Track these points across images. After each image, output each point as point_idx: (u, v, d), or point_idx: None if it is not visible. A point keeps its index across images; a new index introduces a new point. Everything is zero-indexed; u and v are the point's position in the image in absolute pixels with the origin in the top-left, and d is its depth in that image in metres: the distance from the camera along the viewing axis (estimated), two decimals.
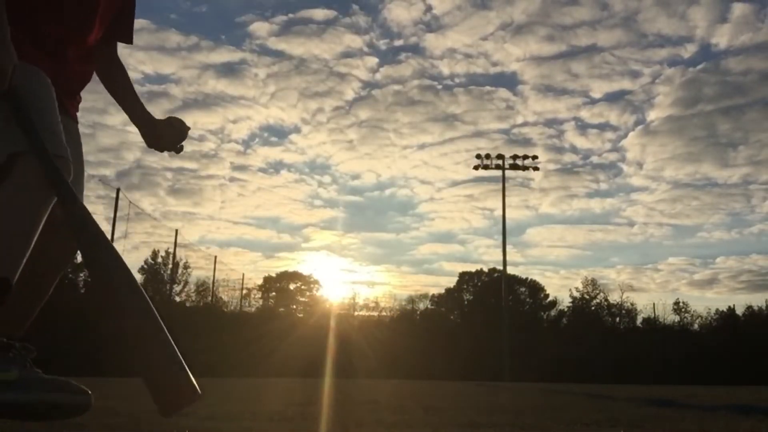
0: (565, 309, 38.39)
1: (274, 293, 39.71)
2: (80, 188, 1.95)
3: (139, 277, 33.65)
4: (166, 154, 2.21)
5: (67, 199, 1.74)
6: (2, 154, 1.70)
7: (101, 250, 1.74)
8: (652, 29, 47.29)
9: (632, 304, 36.31)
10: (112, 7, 2.08)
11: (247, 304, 34.05)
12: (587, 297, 38.37)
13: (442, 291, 41.21)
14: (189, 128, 2.17)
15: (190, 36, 53.60)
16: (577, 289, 38.97)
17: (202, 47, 49.63)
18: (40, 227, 1.72)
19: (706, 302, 60.48)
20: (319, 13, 51.47)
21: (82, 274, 33.59)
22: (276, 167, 51.99)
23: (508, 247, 30.77)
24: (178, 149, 2.19)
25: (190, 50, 50.29)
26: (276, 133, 54.96)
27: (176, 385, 1.61)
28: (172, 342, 1.67)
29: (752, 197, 49.52)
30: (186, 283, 29.63)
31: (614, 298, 37.47)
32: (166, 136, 2.15)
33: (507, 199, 30.85)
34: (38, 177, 1.71)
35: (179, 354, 1.66)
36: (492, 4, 49.45)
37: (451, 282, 42.97)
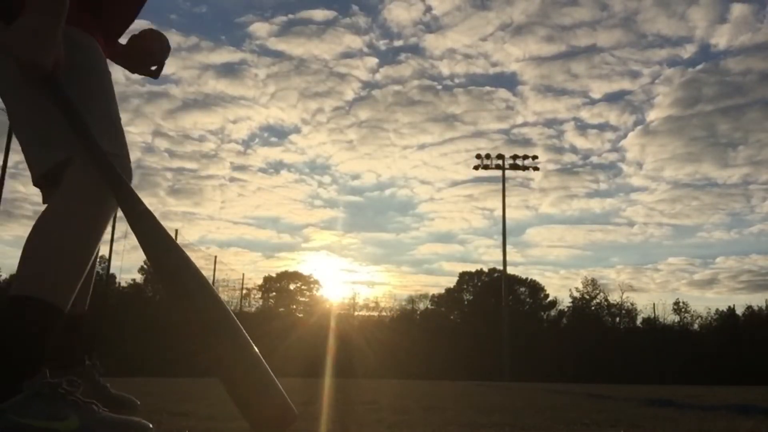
0: (565, 309, 38.47)
1: (274, 293, 39.73)
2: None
3: (138, 277, 33.74)
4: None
5: (127, 205, 1.54)
6: (49, 161, 1.51)
7: (173, 258, 1.55)
8: (652, 29, 47.33)
9: (632, 304, 36.42)
10: None
11: (247, 304, 34.08)
12: (587, 297, 38.40)
13: (442, 291, 41.30)
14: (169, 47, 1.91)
15: (190, 36, 53.71)
16: (577, 289, 39.08)
17: (202, 47, 49.74)
18: (99, 243, 1.56)
19: (706, 302, 60.48)
20: (319, 14, 51.65)
21: None
22: (276, 167, 52.06)
23: (508, 247, 30.76)
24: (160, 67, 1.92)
25: (190, 50, 50.26)
26: (276, 133, 55.01)
27: (275, 408, 1.47)
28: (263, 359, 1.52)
29: (752, 197, 49.63)
30: None
31: (614, 298, 37.60)
32: (153, 48, 1.87)
33: (507, 199, 30.83)
34: (93, 186, 1.51)
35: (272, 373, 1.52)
36: (491, 4, 49.49)
37: (451, 282, 43.03)
